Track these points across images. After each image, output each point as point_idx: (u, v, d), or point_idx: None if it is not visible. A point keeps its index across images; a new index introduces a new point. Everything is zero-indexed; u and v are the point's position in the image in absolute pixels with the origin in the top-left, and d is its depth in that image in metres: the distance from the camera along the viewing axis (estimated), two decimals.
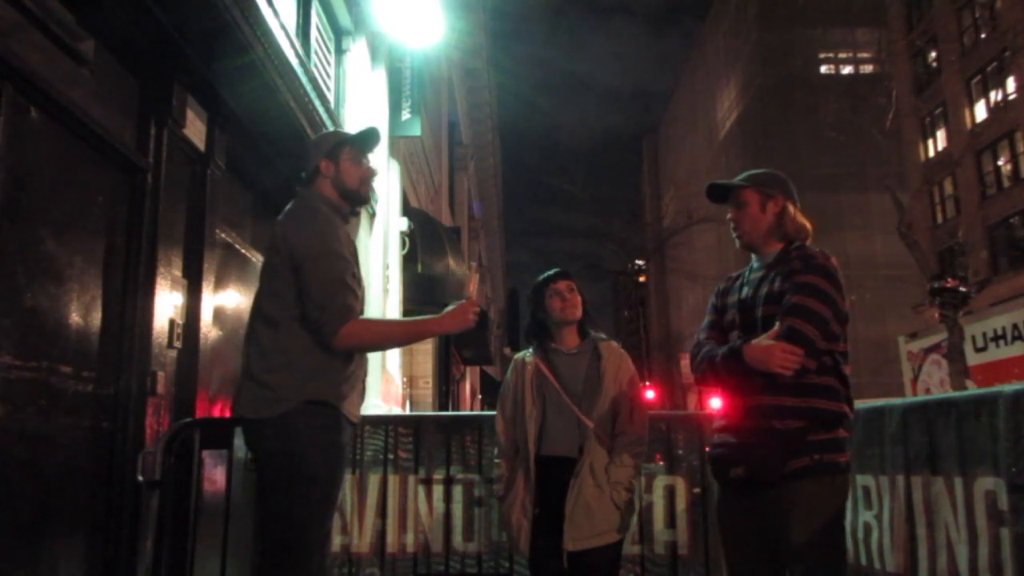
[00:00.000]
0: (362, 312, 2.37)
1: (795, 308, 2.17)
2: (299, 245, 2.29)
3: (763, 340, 2.18)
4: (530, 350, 2.95)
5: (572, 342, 2.91)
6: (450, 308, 2.46)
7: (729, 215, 2.47)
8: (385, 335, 2.60)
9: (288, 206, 2.46)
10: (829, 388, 2.20)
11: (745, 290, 2.40)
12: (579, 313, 2.90)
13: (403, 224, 7.86)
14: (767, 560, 2.26)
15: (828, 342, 2.18)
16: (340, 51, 6.71)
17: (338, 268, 2.29)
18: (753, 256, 2.47)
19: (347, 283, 2.30)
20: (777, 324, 2.19)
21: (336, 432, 2.32)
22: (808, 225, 2.40)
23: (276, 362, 2.27)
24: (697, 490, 3.70)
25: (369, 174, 2.55)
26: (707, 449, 3.68)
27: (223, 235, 4.05)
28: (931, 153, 26.86)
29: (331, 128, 4.95)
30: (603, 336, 2.94)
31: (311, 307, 2.25)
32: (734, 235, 2.47)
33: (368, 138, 2.56)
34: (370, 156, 2.59)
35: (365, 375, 2.52)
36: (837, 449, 2.20)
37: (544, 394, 2.83)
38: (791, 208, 2.39)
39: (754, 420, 2.23)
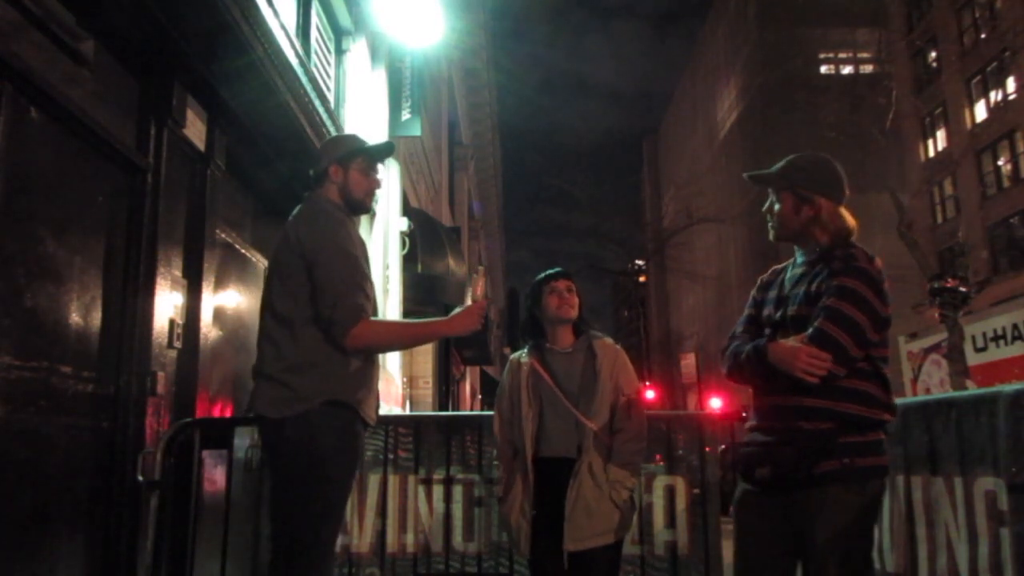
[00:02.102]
0: (374, 313, 2.39)
1: (828, 312, 2.07)
2: (312, 245, 2.32)
3: (790, 341, 2.10)
4: (525, 351, 2.95)
5: (567, 341, 2.90)
6: (458, 310, 2.47)
7: (765, 207, 2.36)
8: (395, 336, 2.62)
9: (297, 209, 2.49)
10: (865, 394, 2.11)
11: (786, 287, 2.29)
12: (575, 313, 2.89)
13: (403, 224, 7.86)
14: (782, 564, 2.18)
15: (863, 348, 2.09)
16: (340, 51, 6.71)
17: (350, 268, 2.32)
18: (796, 248, 2.35)
19: (358, 283, 2.32)
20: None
21: (354, 433, 2.34)
22: (850, 224, 2.26)
23: (295, 362, 2.29)
24: (697, 490, 3.70)
25: (376, 186, 2.59)
26: (707, 449, 3.70)
27: (223, 235, 4.05)
28: (931, 153, 26.85)
29: (331, 128, 4.96)
30: (598, 334, 2.93)
31: (323, 306, 2.27)
32: (769, 226, 2.36)
33: (383, 151, 2.61)
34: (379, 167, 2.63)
35: (378, 379, 2.53)
36: (871, 452, 2.09)
37: (540, 395, 2.82)
38: (827, 212, 2.23)
39: (782, 421, 2.15)
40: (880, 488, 2.14)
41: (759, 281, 2.44)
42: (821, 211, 2.23)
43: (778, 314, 2.24)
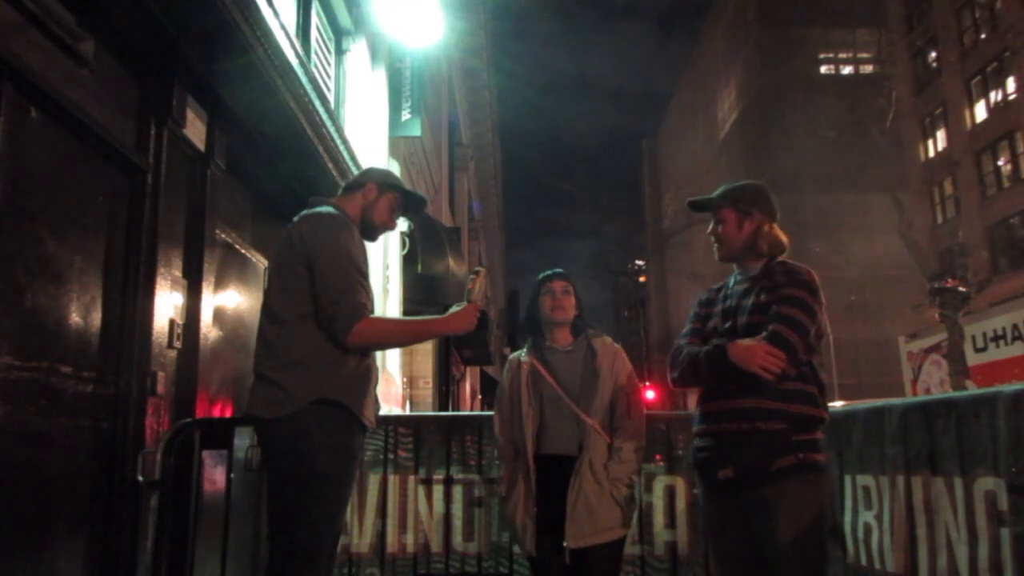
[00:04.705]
0: (373, 312, 2.39)
1: (781, 317, 2.28)
2: (315, 243, 2.33)
3: (747, 341, 2.28)
4: (524, 351, 2.97)
5: (565, 340, 2.93)
6: (455, 309, 2.48)
7: (709, 230, 2.57)
8: (396, 333, 2.62)
9: (304, 211, 2.50)
10: (809, 395, 2.32)
11: (729, 301, 2.48)
12: (569, 315, 2.92)
13: (403, 224, 7.86)
14: (752, 560, 2.32)
15: (807, 353, 2.30)
16: (340, 51, 6.71)
17: (352, 267, 2.33)
18: (735, 267, 2.57)
19: (359, 282, 2.33)
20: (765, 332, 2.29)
21: (348, 433, 2.33)
22: (785, 240, 2.51)
23: (285, 360, 2.29)
24: (697, 490, 3.70)
25: (392, 226, 2.70)
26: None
27: (223, 235, 4.05)
28: (931, 153, 26.84)
29: (331, 128, 4.96)
30: (597, 332, 2.95)
31: (325, 303, 2.27)
32: (714, 248, 2.58)
33: (416, 200, 2.76)
34: (402, 218, 2.76)
35: (377, 380, 2.52)
36: (817, 449, 2.30)
37: (541, 393, 2.83)
38: (767, 226, 2.49)
39: (737, 423, 2.32)
40: (828, 481, 2.39)
41: (699, 299, 2.65)
42: (762, 224, 2.48)
43: (726, 324, 2.44)
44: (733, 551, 2.37)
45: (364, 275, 2.38)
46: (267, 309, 2.39)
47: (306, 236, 2.35)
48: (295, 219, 2.47)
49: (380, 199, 2.59)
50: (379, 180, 2.62)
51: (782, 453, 2.24)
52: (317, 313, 2.30)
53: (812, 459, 2.27)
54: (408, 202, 2.72)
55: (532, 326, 2.99)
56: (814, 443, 2.29)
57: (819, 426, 2.33)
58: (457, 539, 3.70)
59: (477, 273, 2.58)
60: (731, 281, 2.56)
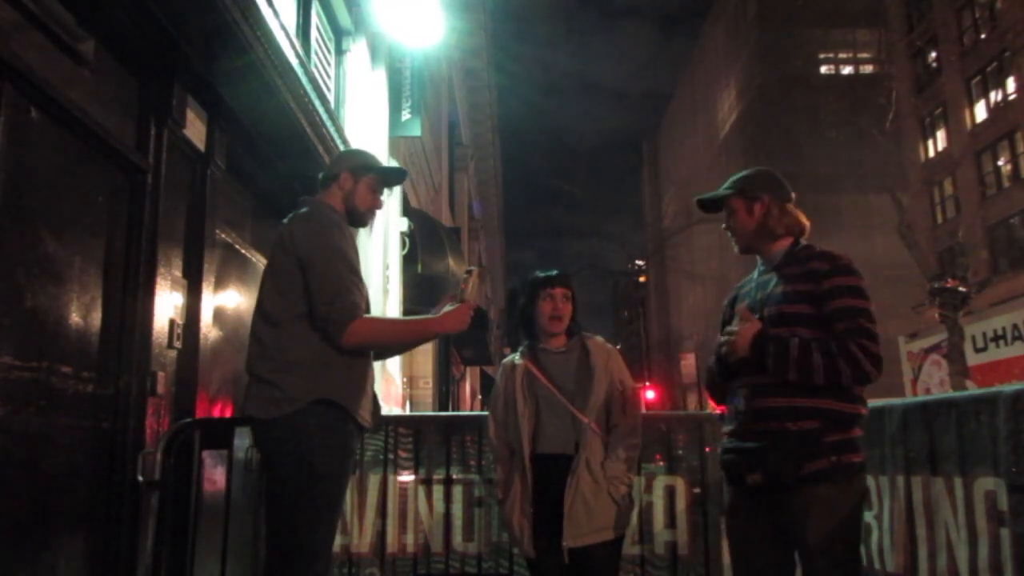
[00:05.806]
0: (367, 312, 2.39)
1: (853, 311, 2.16)
2: (307, 243, 2.33)
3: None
4: (518, 354, 2.95)
5: (559, 342, 2.92)
6: (449, 309, 2.48)
7: (723, 226, 2.49)
8: (390, 333, 2.62)
9: (294, 212, 2.49)
10: (843, 389, 2.15)
11: (756, 293, 2.37)
12: (564, 325, 2.90)
13: (403, 224, 7.86)
14: (778, 565, 2.23)
15: None
16: (340, 51, 6.71)
17: (345, 267, 2.32)
18: (758, 259, 2.46)
19: (353, 282, 2.33)
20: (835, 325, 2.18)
21: (345, 433, 2.34)
22: (804, 220, 2.39)
23: (282, 361, 2.29)
24: (697, 490, 3.70)
25: (378, 206, 2.64)
26: (707, 449, 3.70)
27: (223, 235, 4.05)
28: (931, 153, 26.84)
29: (331, 128, 4.96)
30: (590, 334, 2.95)
31: (319, 304, 2.26)
32: (732, 243, 2.50)
33: (395, 176, 2.74)
34: (385, 192, 2.70)
35: (373, 380, 2.52)
36: (853, 449, 2.15)
37: (536, 393, 2.82)
38: (778, 207, 2.37)
39: (766, 423, 2.19)
40: (864, 484, 2.22)
41: (724, 303, 2.56)
42: (771, 206, 2.36)
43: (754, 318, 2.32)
44: (757, 558, 2.26)
45: (357, 274, 2.38)
46: (261, 310, 2.38)
47: (297, 236, 2.35)
48: (286, 220, 2.47)
49: (358, 185, 2.55)
50: (351, 167, 2.57)
51: (814, 456, 2.10)
52: (312, 314, 2.30)
53: (847, 461, 2.12)
54: (387, 178, 2.68)
55: (528, 327, 2.97)
56: (850, 442, 2.14)
57: (855, 423, 2.17)
58: (457, 539, 3.71)
59: (470, 273, 2.58)
60: (755, 274, 2.46)
